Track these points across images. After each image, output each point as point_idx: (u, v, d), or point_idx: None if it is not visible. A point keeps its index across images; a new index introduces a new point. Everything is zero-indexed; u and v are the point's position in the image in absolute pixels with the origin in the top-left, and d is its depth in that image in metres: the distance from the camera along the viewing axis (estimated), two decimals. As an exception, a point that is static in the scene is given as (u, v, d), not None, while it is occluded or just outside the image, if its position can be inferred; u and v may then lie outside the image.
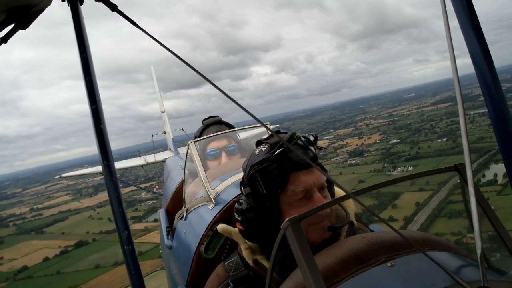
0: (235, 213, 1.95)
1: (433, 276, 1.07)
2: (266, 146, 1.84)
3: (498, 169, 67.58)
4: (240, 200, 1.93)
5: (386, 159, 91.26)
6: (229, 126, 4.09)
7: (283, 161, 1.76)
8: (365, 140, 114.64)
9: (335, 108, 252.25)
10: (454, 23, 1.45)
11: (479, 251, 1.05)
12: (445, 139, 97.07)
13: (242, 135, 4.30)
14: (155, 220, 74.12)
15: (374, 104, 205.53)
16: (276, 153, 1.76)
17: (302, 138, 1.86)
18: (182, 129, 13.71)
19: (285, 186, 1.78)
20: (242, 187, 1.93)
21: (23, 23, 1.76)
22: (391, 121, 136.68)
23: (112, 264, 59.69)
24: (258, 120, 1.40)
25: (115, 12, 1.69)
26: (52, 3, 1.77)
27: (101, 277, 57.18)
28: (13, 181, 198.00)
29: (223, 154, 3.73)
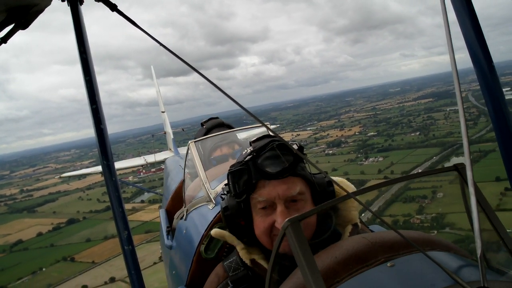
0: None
1: (433, 276, 1.06)
2: (250, 149, 1.83)
3: (456, 161, 73.04)
4: (222, 196, 2.00)
5: (361, 150, 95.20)
6: (231, 127, 4.05)
7: (252, 168, 1.76)
8: (345, 132, 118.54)
9: (322, 100, 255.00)
10: (453, 23, 1.40)
11: (479, 251, 1.04)
12: (418, 133, 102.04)
13: (242, 135, 4.23)
14: (142, 202, 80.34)
15: (360, 97, 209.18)
16: (246, 159, 1.78)
17: (295, 146, 1.78)
18: (183, 129, 14.02)
19: (251, 193, 1.78)
20: (224, 185, 1.98)
21: (23, 23, 1.75)
22: (372, 115, 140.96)
23: (102, 238, 64.97)
24: (258, 120, 1.42)
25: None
26: (52, 3, 1.75)
27: (92, 249, 62.62)
28: (0, 163, 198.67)
29: (231, 161, 3.68)
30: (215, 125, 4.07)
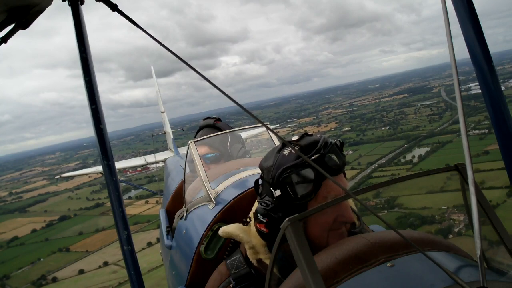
0: (258, 215, 1.83)
1: (433, 276, 1.06)
2: (297, 148, 1.71)
3: (418, 152, 79.31)
4: (266, 201, 1.80)
5: None
6: (220, 129, 3.99)
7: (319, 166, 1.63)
8: (321, 128, 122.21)
9: (303, 97, 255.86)
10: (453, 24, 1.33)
11: (478, 251, 1.04)
12: (388, 128, 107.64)
13: (242, 135, 4.23)
14: (129, 198, 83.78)
15: (340, 94, 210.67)
16: (313, 157, 1.71)
17: (337, 143, 1.80)
18: (182, 129, 13.88)
19: (317, 192, 1.71)
20: (272, 188, 1.76)
21: (23, 23, 1.74)
22: (349, 111, 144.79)
23: (93, 231, 69.13)
24: (258, 120, 1.40)
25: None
26: (52, 3, 1.73)
27: (85, 241, 66.65)
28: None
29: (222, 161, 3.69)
30: (205, 125, 4.09)
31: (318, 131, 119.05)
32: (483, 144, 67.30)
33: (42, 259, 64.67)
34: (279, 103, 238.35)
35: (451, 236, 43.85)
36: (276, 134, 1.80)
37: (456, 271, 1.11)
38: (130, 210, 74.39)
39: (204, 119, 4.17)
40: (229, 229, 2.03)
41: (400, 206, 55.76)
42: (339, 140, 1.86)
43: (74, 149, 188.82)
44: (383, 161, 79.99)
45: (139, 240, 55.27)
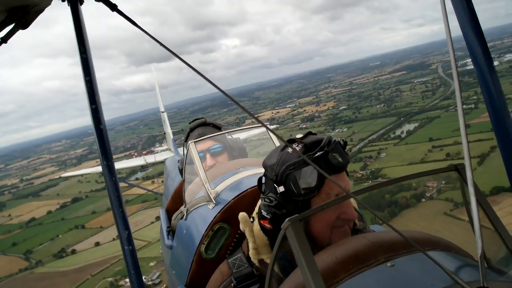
0: (262, 211, 1.85)
1: (433, 276, 1.06)
2: (300, 146, 1.77)
3: (406, 127, 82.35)
4: (270, 197, 1.80)
5: (330, 123, 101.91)
6: (215, 126, 4.12)
7: (322, 164, 1.71)
8: (320, 107, 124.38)
9: (305, 77, 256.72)
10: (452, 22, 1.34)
11: (479, 251, 1.04)
12: (382, 105, 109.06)
13: (242, 135, 4.34)
14: (136, 179, 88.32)
15: (341, 73, 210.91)
16: (316, 155, 1.72)
17: (341, 142, 1.81)
18: (182, 130, 13.18)
19: (320, 189, 1.73)
20: (275, 185, 1.78)
21: (23, 23, 1.74)
22: (348, 90, 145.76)
23: (106, 209, 72.67)
24: (258, 120, 1.39)
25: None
26: (52, 3, 1.73)
27: (98, 219, 72.68)
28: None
29: (208, 156, 3.78)
30: (197, 124, 4.14)
31: (317, 110, 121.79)
32: (467, 118, 72.50)
33: (60, 236, 70.65)
34: (281, 84, 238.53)
35: (423, 200, 50.32)
36: (276, 134, 1.80)
37: (456, 271, 1.11)
38: (137, 190, 79.49)
39: (191, 122, 4.20)
40: (246, 217, 2.01)
41: (383, 176, 59.49)
42: (343, 139, 1.83)
43: (80, 136, 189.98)
44: (374, 137, 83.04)
45: (148, 215, 62.31)
